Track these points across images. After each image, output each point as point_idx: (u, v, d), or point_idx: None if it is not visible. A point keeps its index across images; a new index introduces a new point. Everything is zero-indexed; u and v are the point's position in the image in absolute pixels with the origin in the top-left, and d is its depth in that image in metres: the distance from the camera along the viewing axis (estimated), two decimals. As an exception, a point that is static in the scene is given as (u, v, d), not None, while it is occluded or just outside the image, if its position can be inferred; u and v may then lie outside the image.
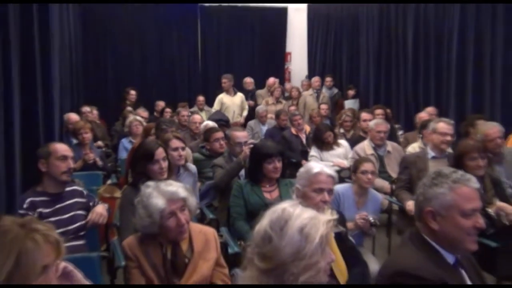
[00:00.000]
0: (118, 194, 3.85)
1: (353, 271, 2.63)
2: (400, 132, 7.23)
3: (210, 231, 2.56)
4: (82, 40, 9.23)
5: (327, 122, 7.32)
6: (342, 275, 2.57)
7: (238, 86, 9.11)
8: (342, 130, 6.87)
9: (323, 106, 8.23)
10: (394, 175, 4.94)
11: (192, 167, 4.10)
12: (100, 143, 6.78)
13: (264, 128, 7.65)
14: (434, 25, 7.73)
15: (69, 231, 3.10)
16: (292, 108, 8.45)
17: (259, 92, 9.49)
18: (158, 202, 2.33)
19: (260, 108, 7.96)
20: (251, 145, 3.96)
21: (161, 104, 8.98)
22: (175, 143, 3.84)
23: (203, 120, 6.48)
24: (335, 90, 9.82)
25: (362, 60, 9.77)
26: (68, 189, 3.26)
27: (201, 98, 9.06)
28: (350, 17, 10.14)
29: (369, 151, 5.29)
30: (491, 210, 3.41)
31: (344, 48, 10.41)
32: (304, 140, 6.75)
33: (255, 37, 11.45)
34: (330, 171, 2.75)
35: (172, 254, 2.38)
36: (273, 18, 11.52)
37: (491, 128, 4.36)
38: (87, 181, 4.15)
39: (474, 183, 1.85)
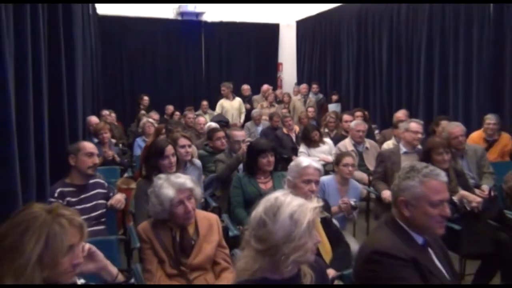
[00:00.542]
0: (133, 185, 3.83)
1: (336, 250, 2.64)
2: (376, 131, 7.23)
3: (213, 217, 2.56)
4: (101, 52, 9.20)
5: (314, 123, 7.31)
6: (327, 255, 2.58)
7: (236, 92, 9.10)
8: (326, 130, 6.86)
9: (310, 109, 8.23)
10: (371, 168, 4.94)
11: (198, 162, 4.09)
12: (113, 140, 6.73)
13: (259, 129, 7.63)
14: (404, 40, 7.76)
15: (92, 217, 3.11)
16: (284, 111, 8.45)
17: (255, 97, 9.48)
18: (169, 192, 2.33)
19: (255, 112, 7.96)
20: (248, 143, 3.97)
21: (170, 108, 8.96)
22: (183, 141, 3.83)
23: (206, 122, 6.47)
24: (320, 95, 9.81)
25: (343, 70, 9.76)
26: (91, 181, 3.26)
27: (204, 103, 9.05)
28: (333, 32, 10.12)
29: (350, 147, 5.29)
30: (455, 198, 3.42)
31: (328, 59, 10.39)
32: (294, 139, 6.76)
33: (251, 49, 11.41)
34: (317, 164, 2.75)
35: (180, 237, 2.38)
36: (267, 33, 11.50)
37: (454, 128, 4.36)
38: (107, 175, 4.14)
39: (443, 177, 1.85)
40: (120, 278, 1.85)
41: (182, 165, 3.74)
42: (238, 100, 8.80)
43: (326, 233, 2.63)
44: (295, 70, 11.72)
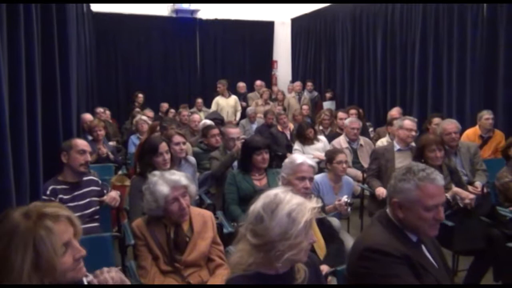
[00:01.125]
0: (127, 182, 3.83)
1: (330, 247, 2.65)
2: (370, 129, 7.26)
3: (208, 213, 2.56)
4: (96, 49, 9.16)
5: (308, 121, 7.33)
6: (321, 251, 2.58)
7: (231, 90, 9.10)
8: (321, 127, 6.86)
9: (304, 107, 8.25)
10: (365, 165, 4.96)
11: (192, 159, 4.08)
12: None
13: (254, 126, 7.63)
14: (399, 38, 7.78)
15: (85, 215, 3.08)
16: (279, 108, 8.45)
17: (250, 95, 9.49)
18: (163, 189, 2.32)
19: (250, 110, 7.96)
20: (243, 140, 3.96)
21: (165, 105, 8.96)
22: (177, 138, 3.82)
23: (201, 119, 6.46)
24: (315, 93, 9.83)
25: (338, 67, 9.77)
26: (85, 178, 3.24)
27: (199, 100, 9.04)
28: (327, 30, 10.13)
29: (345, 145, 5.31)
30: (448, 195, 3.43)
31: (323, 57, 10.40)
32: (288, 136, 6.76)
33: (246, 47, 11.40)
34: (311, 161, 2.76)
35: (174, 234, 2.38)
36: (262, 31, 11.49)
37: (449, 124, 4.39)
38: (101, 172, 4.13)
39: (439, 181, 1.80)
40: None
41: (176, 162, 3.75)
42: (233, 97, 8.81)
43: (320, 230, 2.64)
44: (290, 67, 11.73)
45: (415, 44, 7.30)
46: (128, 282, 1.69)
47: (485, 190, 3.91)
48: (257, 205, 1.66)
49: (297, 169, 2.67)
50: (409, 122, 4.43)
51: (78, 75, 5.31)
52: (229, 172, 3.65)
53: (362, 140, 5.45)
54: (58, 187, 3.08)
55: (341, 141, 5.38)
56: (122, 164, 5.37)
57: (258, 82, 9.63)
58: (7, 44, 2.41)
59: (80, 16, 6.03)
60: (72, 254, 1.42)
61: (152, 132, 4.95)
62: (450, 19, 6.55)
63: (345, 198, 3.34)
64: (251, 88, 9.77)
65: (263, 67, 11.50)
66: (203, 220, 2.48)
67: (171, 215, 2.35)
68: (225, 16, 10.95)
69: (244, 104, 8.99)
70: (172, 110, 8.43)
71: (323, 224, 2.72)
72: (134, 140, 6.10)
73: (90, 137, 5.31)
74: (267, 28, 11.60)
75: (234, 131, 4.35)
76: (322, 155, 5.58)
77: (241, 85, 9.59)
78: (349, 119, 5.60)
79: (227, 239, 2.87)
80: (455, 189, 3.49)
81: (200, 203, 3.82)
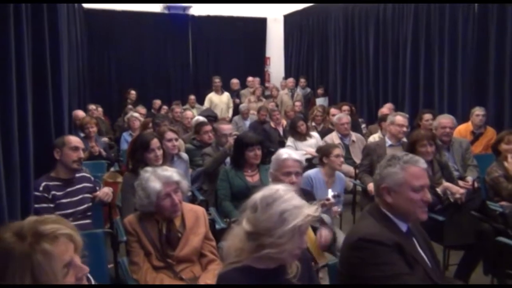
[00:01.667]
0: (120, 179, 3.82)
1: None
2: (363, 126, 7.28)
3: (200, 209, 2.57)
4: (88, 46, 9.10)
5: (301, 117, 7.33)
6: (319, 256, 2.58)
7: (225, 87, 9.10)
8: (313, 124, 6.88)
9: (297, 103, 8.25)
10: (357, 161, 4.98)
11: (184, 155, 4.08)
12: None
13: (247, 123, 7.64)
14: (391, 34, 7.80)
15: (78, 211, 3.09)
16: (272, 104, 8.45)
17: (243, 91, 9.49)
18: (156, 185, 2.33)
19: (243, 106, 7.97)
20: (235, 136, 3.97)
21: (157, 102, 8.93)
22: (170, 135, 3.82)
23: (194, 116, 6.45)
24: (308, 90, 9.83)
25: (330, 64, 9.78)
26: (77, 175, 3.23)
27: (192, 97, 9.02)
28: (320, 27, 10.13)
29: (337, 141, 5.33)
30: (439, 190, 3.46)
31: (315, 53, 10.40)
32: (281, 132, 6.78)
33: (239, 43, 11.34)
34: (297, 156, 2.73)
35: (167, 230, 2.38)
36: (254, 27, 11.46)
37: (445, 119, 4.46)
38: (93, 169, 4.11)
39: (422, 163, 1.89)
40: None
41: (169, 159, 3.74)
42: (226, 94, 8.84)
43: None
44: (283, 64, 11.71)
45: (406, 41, 7.33)
46: None
47: (475, 185, 3.94)
48: (258, 194, 1.68)
49: (283, 165, 2.66)
50: (400, 118, 4.48)
51: (70, 72, 5.28)
52: (222, 169, 3.65)
53: (354, 136, 5.48)
54: (51, 183, 3.07)
55: (333, 137, 5.40)
56: (114, 161, 5.34)
57: (250, 79, 9.65)
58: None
59: (71, 13, 5.99)
60: (75, 274, 1.29)
61: (145, 128, 4.94)
62: (442, 17, 6.59)
63: (330, 193, 3.35)
64: (244, 84, 9.77)
65: (256, 63, 11.48)
66: (195, 216, 2.48)
67: (163, 211, 2.35)
68: (218, 12, 10.91)
69: (237, 101, 8.99)
70: (165, 107, 8.42)
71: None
72: (126, 137, 6.08)
73: (82, 134, 5.28)
74: (259, 24, 11.58)
75: (226, 128, 4.35)
76: (313, 151, 5.61)
77: (235, 81, 9.58)
78: (338, 115, 5.63)
79: (220, 235, 2.87)
80: (446, 184, 3.51)
81: (192, 200, 3.82)
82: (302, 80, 9.78)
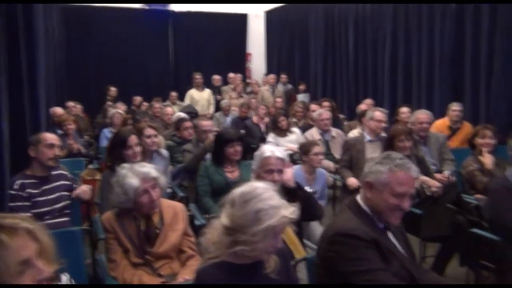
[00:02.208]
0: (98, 176, 3.78)
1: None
2: (345, 123, 7.33)
3: (179, 205, 2.56)
4: (65, 42, 8.94)
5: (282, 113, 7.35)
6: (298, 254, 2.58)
7: (206, 83, 9.05)
8: (294, 120, 6.90)
9: (278, 100, 8.27)
10: (338, 156, 5.02)
11: (164, 152, 4.05)
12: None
13: (228, 119, 7.62)
14: (370, 32, 7.89)
15: (55, 209, 3.05)
16: (254, 101, 8.45)
17: (224, 87, 9.45)
18: (133, 181, 2.31)
19: (224, 103, 7.95)
20: (215, 132, 3.96)
21: (138, 99, 8.84)
22: (149, 131, 3.78)
23: (174, 112, 6.40)
24: (289, 86, 9.84)
25: (311, 60, 9.83)
26: (54, 172, 3.18)
27: (173, 94, 8.93)
28: (301, 24, 10.16)
29: (317, 136, 5.35)
30: (416, 183, 3.51)
31: (296, 50, 10.44)
32: (263, 129, 6.79)
33: (220, 39, 11.29)
34: (280, 154, 2.69)
35: (145, 226, 2.37)
36: (235, 23, 11.43)
37: (422, 114, 4.52)
38: (71, 167, 4.04)
39: (413, 171, 1.86)
40: None
41: (148, 155, 3.72)
42: (207, 91, 8.80)
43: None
44: (264, 60, 11.72)
45: (385, 37, 7.42)
46: None
47: (451, 178, 4.02)
48: (238, 190, 1.68)
49: (265, 162, 2.63)
50: (379, 114, 4.52)
51: (48, 69, 5.19)
52: (202, 165, 3.64)
53: (335, 131, 5.51)
54: (27, 181, 3.01)
55: (313, 133, 5.42)
56: (94, 158, 5.28)
57: (232, 75, 9.62)
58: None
59: (48, 10, 5.87)
60: (32, 275, 1.19)
61: (124, 125, 4.89)
62: (420, 15, 6.70)
63: (307, 190, 3.36)
64: (226, 81, 9.74)
65: (238, 60, 11.44)
66: (174, 211, 2.47)
67: (141, 207, 2.34)
68: (198, 8, 10.84)
69: (219, 97, 8.96)
70: (145, 103, 8.35)
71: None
72: (107, 134, 5.99)
73: (60, 132, 5.20)
74: (240, 20, 11.55)
75: (206, 124, 4.34)
76: (295, 147, 5.63)
77: (217, 77, 9.54)
78: (318, 111, 5.65)
79: (199, 231, 2.87)
80: (423, 178, 3.57)
81: (173, 196, 3.80)
82: (283, 76, 9.78)
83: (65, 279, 1.51)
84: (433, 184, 3.50)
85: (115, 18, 10.12)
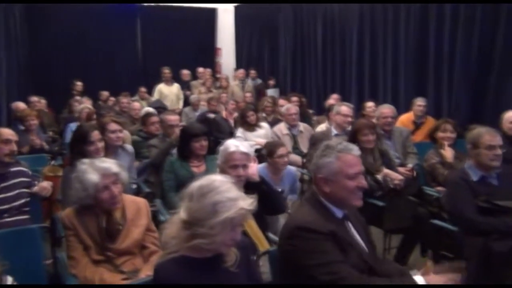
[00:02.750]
0: (60, 173, 3.67)
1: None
2: (315, 118, 7.39)
3: (141, 201, 2.52)
4: (29, 37, 8.67)
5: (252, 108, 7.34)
6: (262, 247, 2.56)
7: (175, 78, 8.95)
8: (263, 114, 6.91)
9: (248, 94, 8.28)
10: (305, 150, 5.06)
11: (129, 147, 3.97)
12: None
13: (197, 115, 7.56)
14: (338, 28, 7.98)
15: (14, 207, 2.96)
16: (224, 95, 8.42)
17: (193, 82, 9.36)
18: (93, 177, 2.25)
19: (193, 98, 7.87)
20: (181, 127, 3.92)
21: (105, 93, 8.66)
22: (113, 126, 3.69)
23: (142, 107, 6.31)
24: (259, 81, 9.85)
25: (281, 55, 9.86)
26: (13, 169, 3.08)
27: (142, 89, 8.79)
28: (270, 19, 10.16)
29: (285, 131, 5.38)
30: (379, 176, 3.57)
31: (266, 45, 10.45)
32: (232, 123, 6.77)
33: (189, 34, 11.12)
34: (245, 148, 2.68)
35: (106, 222, 2.31)
36: (205, 18, 11.31)
37: (386, 109, 4.58)
38: (33, 163, 3.92)
39: (356, 151, 1.92)
40: None
41: (112, 151, 3.65)
42: (176, 85, 8.70)
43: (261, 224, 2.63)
44: (234, 55, 11.66)
45: (352, 33, 7.54)
46: None
47: (414, 171, 4.10)
48: (196, 183, 1.67)
49: (230, 158, 2.62)
50: (345, 108, 4.58)
51: (9, 64, 5.03)
52: (167, 160, 3.60)
53: (302, 126, 5.55)
54: (-17, 179, 2.91)
55: (281, 128, 5.44)
56: (57, 154, 5.14)
57: (201, 70, 9.54)
58: None
59: (9, 5, 5.66)
60: None
61: (88, 120, 4.78)
62: (385, 13, 6.85)
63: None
64: (195, 76, 9.65)
65: (207, 54, 11.34)
66: (136, 207, 2.43)
67: (102, 204, 2.29)
68: (167, 2, 10.68)
69: (188, 93, 8.87)
70: (112, 98, 8.18)
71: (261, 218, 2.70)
72: (73, 129, 5.83)
73: (22, 127, 5.05)
74: (210, 15, 11.43)
75: (172, 118, 4.28)
76: (264, 142, 5.64)
77: (185, 72, 9.44)
78: (286, 106, 5.68)
79: (164, 226, 2.83)
80: (386, 171, 3.63)
81: (138, 192, 3.75)
82: (252, 72, 9.78)
83: (10, 279, 1.47)
84: (396, 177, 3.56)
85: (82, 13, 9.85)
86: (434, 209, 3.36)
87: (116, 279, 2.21)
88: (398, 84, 6.70)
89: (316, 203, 1.92)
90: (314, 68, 8.73)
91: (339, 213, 1.94)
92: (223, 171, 2.64)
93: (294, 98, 6.78)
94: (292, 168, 3.99)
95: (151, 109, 5.67)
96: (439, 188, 3.62)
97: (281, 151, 3.61)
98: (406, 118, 5.62)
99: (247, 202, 1.62)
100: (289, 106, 5.58)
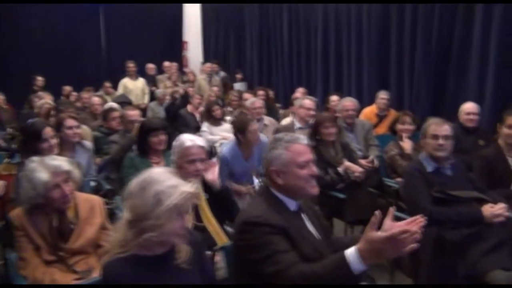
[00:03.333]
0: (15, 171, 3.54)
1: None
2: (281, 111, 7.39)
3: (96, 199, 2.46)
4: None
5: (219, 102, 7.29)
6: (218, 235, 2.54)
7: (141, 72, 8.78)
8: (230, 109, 6.88)
9: (214, 88, 8.19)
10: (269, 144, 5.05)
11: (88, 143, 3.87)
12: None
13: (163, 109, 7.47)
14: (303, 22, 8.02)
15: (-37, 207, 2.83)
16: (190, 89, 8.32)
17: (159, 77, 9.19)
18: (42, 175, 2.18)
19: (159, 92, 7.76)
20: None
21: (67, 89, 8.42)
22: (70, 122, 3.59)
23: (104, 102, 6.15)
24: (222, 74, 9.76)
25: (247, 49, 9.84)
26: (-37, 168, 2.96)
27: (107, 84, 8.56)
28: (236, 12, 10.11)
29: (250, 125, 5.35)
30: (340, 169, 3.61)
31: (232, 38, 10.39)
32: (198, 118, 6.70)
33: (154, 27, 10.95)
34: (201, 142, 2.65)
35: (58, 222, 2.25)
36: (171, 11, 11.14)
37: (348, 102, 4.65)
38: (-13, 161, 3.79)
39: (303, 140, 1.93)
40: None
41: (70, 148, 3.55)
42: (141, 80, 8.51)
43: (217, 213, 2.62)
44: (201, 49, 11.55)
45: (317, 29, 7.60)
46: None
47: (375, 163, 4.17)
48: (133, 181, 1.65)
49: (186, 153, 2.58)
50: (308, 102, 4.61)
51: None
52: (127, 155, 3.52)
53: (267, 120, 5.54)
54: None
55: (246, 122, 5.42)
56: (15, 152, 4.95)
57: (167, 63, 9.39)
58: None
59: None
60: None
61: (47, 116, 4.63)
62: (348, 9, 6.96)
63: (256, 181, 3.38)
64: (161, 70, 9.50)
65: (174, 48, 11.19)
66: (90, 205, 2.37)
67: (53, 203, 2.22)
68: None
69: (154, 88, 8.73)
70: (74, 93, 7.95)
71: (219, 206, 2.69)
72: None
73: (-24, 124, 4.86)
74: (176, 8, 11.27)
75: (133, 113, 4.21)
76: (229, 136, 5.61)
77: (150, 66, 9.28)
78: (251, 100, 5.67)
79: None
80: (347, 163, 3.66)
81: (97, 189, 3.66)
82: (215, 65, 9.66)
83: None
84: (356, 169, 3.60)
85: (44, 7, 9.53)
86: (393, 200, 3.41)
87: (68, 279, 2.15)
88: (362, 78, 6.81)
89: (268, 196, 1.91)
90: (281, 62, 8.76)
91: (292, 205, 1.93)
92: (179, 167, 2.59)
93: (260, 92, 6.77)
94: (262, 136, 3.96)
95: (114, 104, 5.54)
96: (399, 180, 3.68)
97: (252, 126, 3.63)
98: (369, 111, 5.70)
99: (188, 185, 1.61)
100: (254, 100, 5.57)
